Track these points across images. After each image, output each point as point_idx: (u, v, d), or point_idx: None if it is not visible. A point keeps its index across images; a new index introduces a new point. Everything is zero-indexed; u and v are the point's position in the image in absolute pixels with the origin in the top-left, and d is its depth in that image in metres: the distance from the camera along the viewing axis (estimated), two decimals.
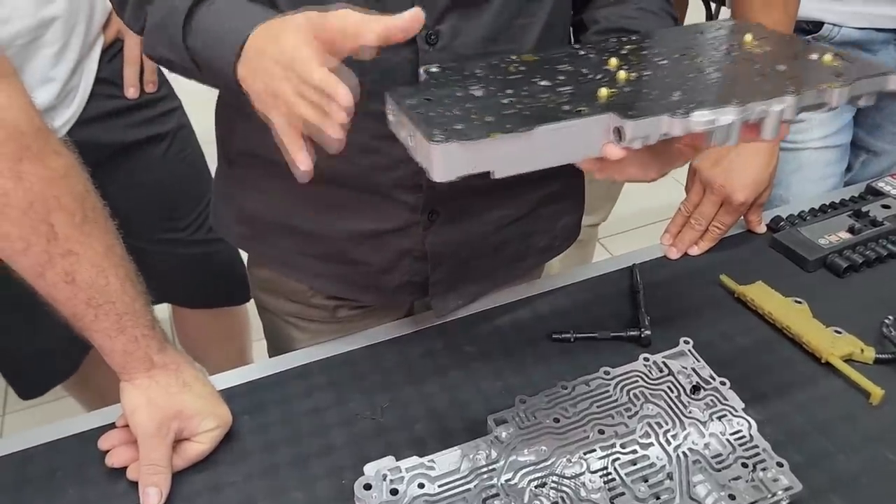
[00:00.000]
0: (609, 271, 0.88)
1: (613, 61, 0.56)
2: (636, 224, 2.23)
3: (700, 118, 0.48)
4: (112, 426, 0.68)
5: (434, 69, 0.58)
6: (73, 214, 0.60)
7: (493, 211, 0.79)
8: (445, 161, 0.46)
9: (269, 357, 0.91)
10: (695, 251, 0.88)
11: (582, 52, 0.60)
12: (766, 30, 0.62)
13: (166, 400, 0.64)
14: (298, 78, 0.51)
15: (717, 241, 0.89)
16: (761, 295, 0.80)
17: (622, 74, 0.53)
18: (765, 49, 0.59)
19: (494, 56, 0.61)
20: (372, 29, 0.49)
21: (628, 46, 0.61)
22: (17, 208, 0.58)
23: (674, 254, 0.88)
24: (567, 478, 0.60)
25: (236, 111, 0.75)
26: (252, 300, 0.96)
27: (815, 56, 0.57)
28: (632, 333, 0.76)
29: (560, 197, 0.85)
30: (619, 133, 0.48)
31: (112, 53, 1.08)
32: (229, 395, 0.71)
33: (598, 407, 0.65)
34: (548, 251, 0.87)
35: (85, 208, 0.61)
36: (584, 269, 0.89)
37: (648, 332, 0.75)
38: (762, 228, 0.91)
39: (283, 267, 0.83)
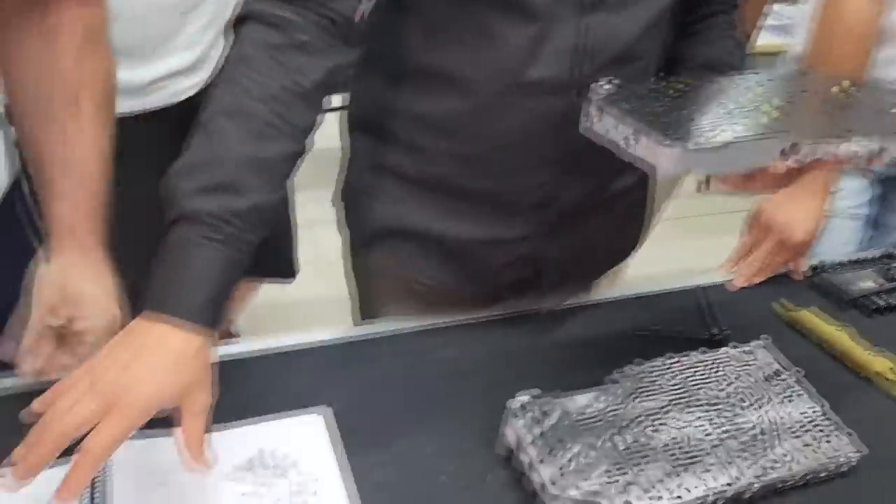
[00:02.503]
0: (677, 289, 1.02)
1: (758, 91, 0.72)
2: None
3: (855, 144, 0.64)
4: None
5: (610, 85, 0.72)
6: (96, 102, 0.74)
7: (595, 220, 0.93)
8: (672, 161, 0.61)
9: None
10: (753, 281, 1.03)
11: (722, 82, 0.75)
12: (860, 80, 0.79)
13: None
14: (113, 401, 0.56)
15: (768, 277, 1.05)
16: (811, 319, 0.95)
17: (775, 101, 0.69)
18: (861, 94, 0.75)
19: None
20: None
21: (759, 86, 0.76)
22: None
23: (739, 283, 1.03)
24: (676, 428, 0.73)
25: (373, 130, 0.88)
26: None
27: None
28: (713, 332, 0.89)
29: (633, 212, 1.01)
30: (788, 151, 0.63)
31: None
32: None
33: (698, 376, 0.79)
34: (621, 257, 1.03)
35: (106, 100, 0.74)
36: (656, 284, 1.03)
37: (728, 332, 0.89)
38: (801, 275, 1.07)
39: (406, 264, 0.92)
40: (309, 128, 0.71)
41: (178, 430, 0.60)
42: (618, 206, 0.95)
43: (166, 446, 0.63)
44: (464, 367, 0.84)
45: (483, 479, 0.70)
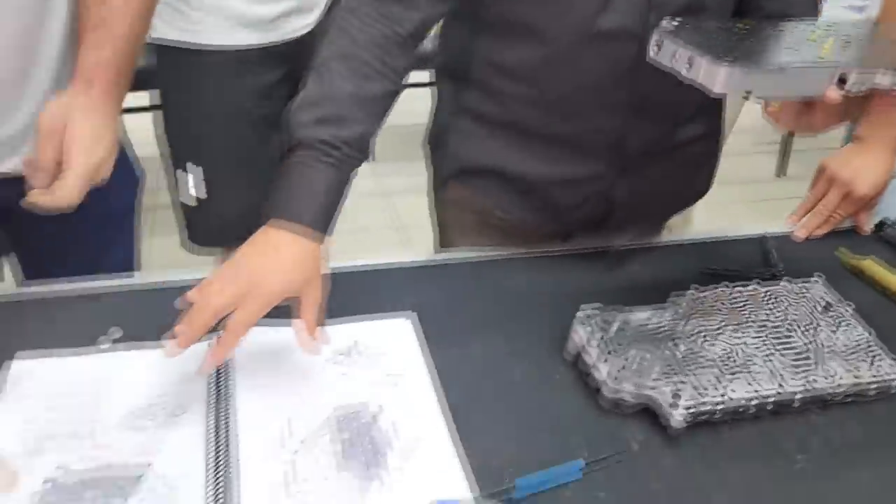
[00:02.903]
0: (743, 236, 1.08)
1: (819, 33, 0.78)
2: None
3: None
4: None
5: (676, 22, 0.79)
6: None
7: (665, 165, 1.00)
8: (727, 80, 0.67)
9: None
10: (817, 234, 1.08)
11: (786, 26, 0.81)
12: None
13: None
14: (249, 290, 0.69)
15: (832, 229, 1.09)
16: (872, 266, 1.00)
17: (831, 41, 0.75)
18: None
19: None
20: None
21: (821, 28, 0.81)
22: None
23: (801, 235, 1.08)
24: (731, 344, 0.80)
25: (458, 77, 0.97)
26: None
27: None
28: (772, 270, 0.95)
29: (707, 154, 1.07)
30: (842, 80, 0.69)
31: None
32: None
33: (752, 303, 0.85)
34: (692, 198, 1.11)
35: None
36: (720, 232, 1.09)
37: (783, 272, 0.94)
38: (868, 229, 1.11)
39: (486, 198, 1.02)
40: (404, 70, 0.82)
41: (296, 321, 0.73)
42: (686, 154, 1.02)
43: (282, 333, 0.75)
44: (534, 292, 0.92)
45: (552, 377, 0.79)
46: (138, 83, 0.93)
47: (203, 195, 1.37)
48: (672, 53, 0.73)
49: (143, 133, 1.39)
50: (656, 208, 1.05)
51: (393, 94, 0.82)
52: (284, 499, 0.63)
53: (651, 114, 0.91)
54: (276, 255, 0.72)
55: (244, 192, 1.32)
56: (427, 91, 1.16)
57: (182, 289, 0.73)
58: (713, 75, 0.68)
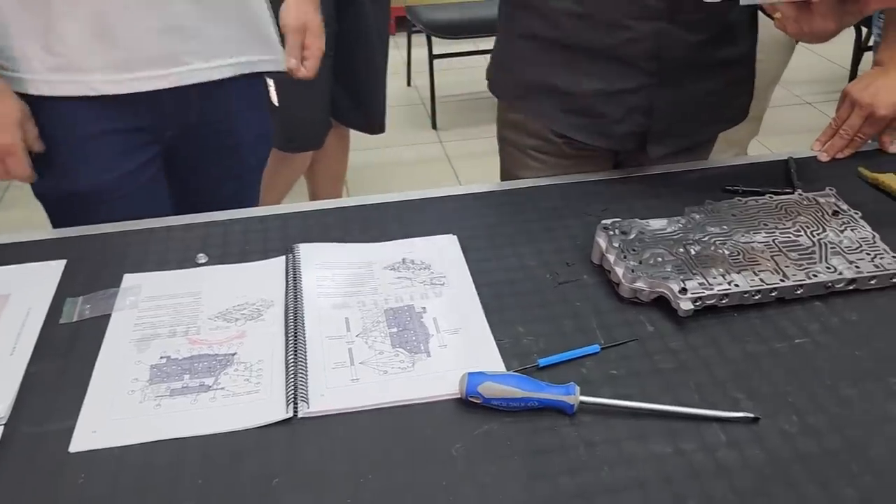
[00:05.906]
0: (768, 160, 1.15)
1: None
2: None
3: None
4: None
5: None
6: None
7: (702, 82, 1.09)
8: None
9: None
10: (840, 155, 1.14)
11: None
12: None
13: None
14: None
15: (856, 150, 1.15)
16: (892, 178, 1.06)
17: None
18: None
19: None
20: None
21: None
22: None
23: (825, 157, 1.14)
24: (740, 245, 0.88)
25: (516, 4, 1.07)
26: None
27: None
28: (787, 190, 1.02)
29: (741, 81, 1.16)
30: None
31: None
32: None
33: (764, 213, 0.93)
34: (728, 122, 1.19)
35: None
36: (748, 158, 1.17)
37: (800, 191, 1.01)
38: (893, 148, 1.16)
39: (541, 118, 1.13)
40: None
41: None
42: (720, 76, 1.11)
43: (343, 249, 0.89)
44: (565, 214, 1.02)
45: (579, 279, 0.89)
46: None
47: (276, 103, 1.65)
48: None
49: None
50: (694, 126, 1.13)
51: None
52: (347, 371, 0.76)
53: (684, 21, 1.00)
54: None
55: (308, 103, 1.70)
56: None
57: (251, 219, 0.86)
58: None
